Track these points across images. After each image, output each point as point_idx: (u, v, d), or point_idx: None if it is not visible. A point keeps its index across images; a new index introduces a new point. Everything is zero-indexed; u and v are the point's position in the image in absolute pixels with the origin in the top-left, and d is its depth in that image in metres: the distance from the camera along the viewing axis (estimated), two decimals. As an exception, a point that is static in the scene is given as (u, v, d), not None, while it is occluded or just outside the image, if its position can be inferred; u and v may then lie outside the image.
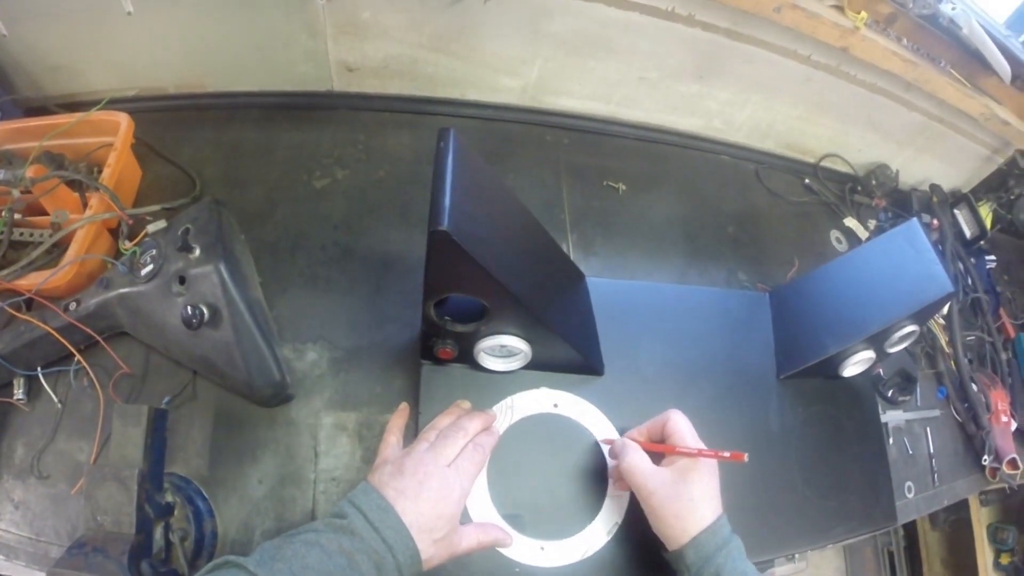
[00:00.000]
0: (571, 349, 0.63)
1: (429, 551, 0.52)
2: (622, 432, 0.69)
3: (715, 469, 0.60)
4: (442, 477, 0.54)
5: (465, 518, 0.63)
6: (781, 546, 0.76)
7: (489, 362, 0.65)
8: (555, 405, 0.69)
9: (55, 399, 0.67)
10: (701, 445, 0.61)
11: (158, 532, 0.59)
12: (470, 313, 0.59)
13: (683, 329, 0.79)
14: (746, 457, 0.56)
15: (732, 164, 1.08)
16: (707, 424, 0.74)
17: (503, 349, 0.63)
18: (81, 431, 0.66)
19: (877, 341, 0.79)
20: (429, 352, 0.64)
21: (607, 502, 0.67)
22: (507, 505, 0.65)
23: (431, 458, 0.55)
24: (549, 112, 0.99)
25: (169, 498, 0.61)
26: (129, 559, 0.53)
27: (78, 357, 0.65)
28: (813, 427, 0.81)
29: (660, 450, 0.62)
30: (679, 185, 1.00)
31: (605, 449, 0.68)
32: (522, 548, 0.63)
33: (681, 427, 0.61)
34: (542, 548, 0.64)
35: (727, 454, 0.58)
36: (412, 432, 0.66)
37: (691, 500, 0.57)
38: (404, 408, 0.64)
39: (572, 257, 0.85)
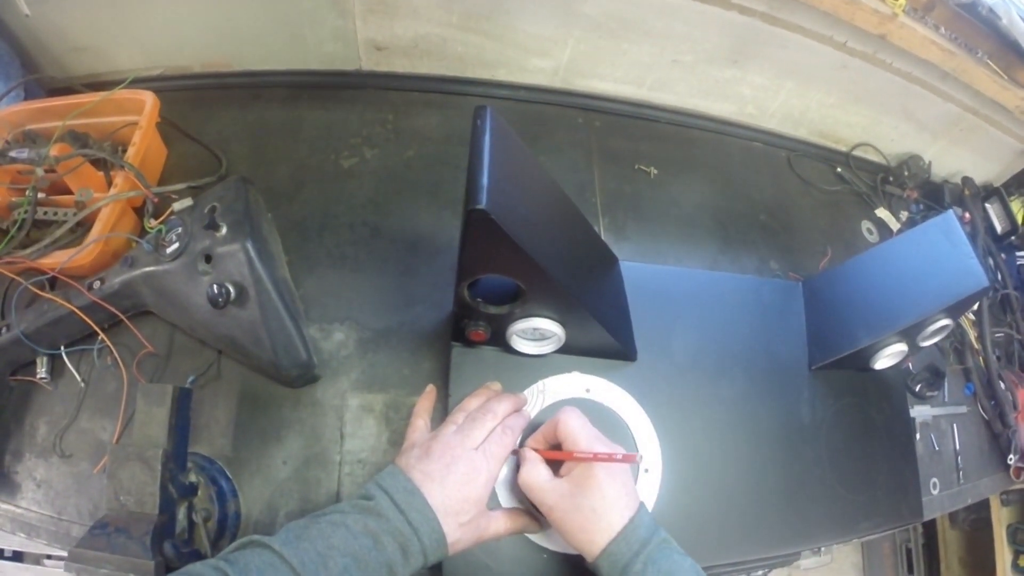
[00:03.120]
0: (605, 333, 0.62)
1: (455, 534, 0.52)
2: (662, 451, 0.67)
3: (619, 469, 0.57)
4: (469, 460, 0.54)
5: (494, 503, 0.62)
6: (809, 539, 0.75)
7: (522, 345, 0.64)
8: (587, 390, 0.68)
9: (78, 378, 0.67)
10: (596, 447, 0.57)
11: (181, 512, 0.59)
12: (504, 295, 0.58)
13: (716, 316, 0.77)
14: (638, 457, 0.55)
15: (764, 151, 1.06)
16: (739, 414, 0.75)
17: (536, 332, 0.62)
18: (104, 410, 0.67)
19: (910, 334, 0.77)
20: (460, 334, 0.63)
21: (638, 488, 0.66)
22: (537, 491, 0.64)
23: (459, 441, 0.55)
24: (581, 94, 0.97)
25: (192, 478, 0.62)
26: (152, 539, 0.54)
27: (102, 336, 0.65)
28: (843, 420, 0.80)
29: (557, 457, 0.59)
30: (711, 171, 0.99)
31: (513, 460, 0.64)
32: (550, 534, 0.63)
33: (573, 428, 0.57)
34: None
35: (619, 456, 0.55)
36: (440, 415, 0.66)
37: (592, 511, 0.53)
38: (432, 390, 0.63)
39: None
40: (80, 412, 0.67)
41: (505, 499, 0.63)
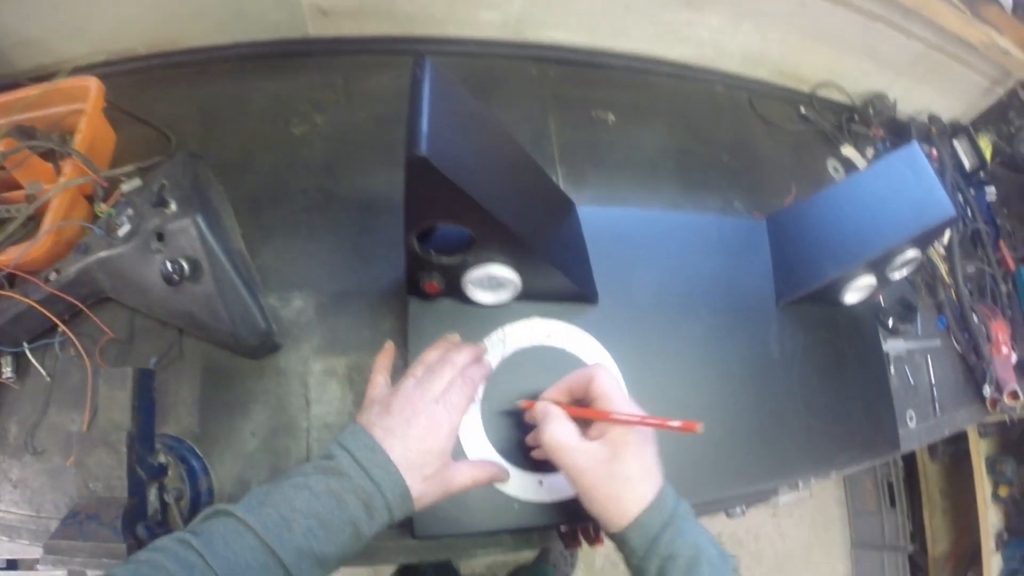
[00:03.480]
0: (562, 276, 0.61)
1: (419, 488, 0.51)
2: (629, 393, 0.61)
3: (652, 435, 0.53)
4: (430, 413, 0.53)
5: (460, 455, 0.62)
6: (785, 473, 0.75)
7: (478, 294, 0.63)
8: (548, 336, 0.67)
9: (43, 373, 0.66)
10: (636, 409, 0.53)
11: (152, 494, 0.59)
12: (456, 244, 0.57)
13: (678, 256, 0.76)
14: (700, 427, 0.48)
15: (725, 93, 1.05)
16: (706, 352, 0.74)
17: (492, 280, 0.61)
18: (72, 402, 0.66)
19: (878, 266, 0.77)
20: (415, 287, 0.62)
21: None
22: (503, 440, 0.63)
23: (418, 394, 0.54)
24: (533, 45, 0.95)
25: (161, 459, 0.61)
26: (123, 523, 0.53)
27: (62, 328, 0.65)
28: (815, 354, 0.79)
29: (590, 416, 0.54)
30: (670, 115, 0.97)
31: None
32: (520, 483, 0.62)
33: (611, 389, 0.54)
34: (540, 482, 0.63)
35: (677, 423, 0.50)
36: (401, 370, 0.64)
37: (628, 479, 0.50)
38: (390, 347, 0.62)
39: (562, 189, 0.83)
40: (48, 407, 0.66)
41: (472, 450, 0.62)
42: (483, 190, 0.50)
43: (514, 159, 0.62)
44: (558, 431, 0.54)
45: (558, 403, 0.56)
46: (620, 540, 0.51)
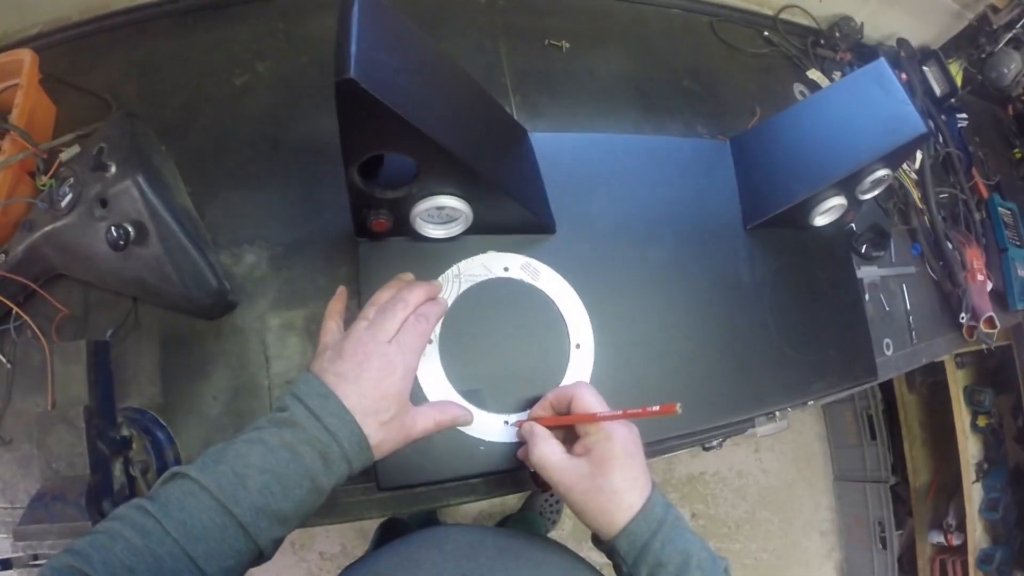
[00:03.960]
0: (515, 204, 0.59)
1: (378, 435, 0.49)
2: (592, 324, 0.64)
3: (636, 445, 0.54)
4: (383, 355, 0.50)
5: (421, 399, 0.60)
6: (760, 404, 0.74)
7: (428, 229, 0.60)
8: (505, 269, 0.65)
9: (3, 360, 0.65)
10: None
11: (117, 468, 0.58)
12: (401, 177, 0.54)
13: (639, 181, 0.74)
14: (679, 408, 0.49)
15: (684, 17, 1.01)
16: (672, 278, 0.72)
17: (441, 212, 0.58)
18: (34, 387, 0.64)
19: (848, 186, 0.75)
20: (363, 227, 0.59)
21: (570, 366, 0.64)
22: (464, 381, 0.61)
23: (370, 336, 0.51)
24: (479, -26, 0.91)
25: (125, 432, 0.60)
26: (87, 500, 0.52)
27: (16, 310, 0.63)
28: (785, 279, 0.78)
29: (574, 422, 0.55)
30: (627, 41, 0.94)
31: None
32: (485, 424, 0.61)
33: (591, 403, 0.55)
34: (506, 422, 0.61)
35: (656, 408, 0.50)
36: (355, 315, 0.62)
37: (614, 492, 0.51)
38: (342, 291, 0.60)
39: (517, 120, 0.80)
40: (12, 394, 0.64)
41: (432, 393, 0.60)
42: (423, 115, 0.47)
43: (458, 85, 0.58)
44: (545, 450, 0.54)
45: (543, 419, 0.58)
46: (610, 550, 0.52)
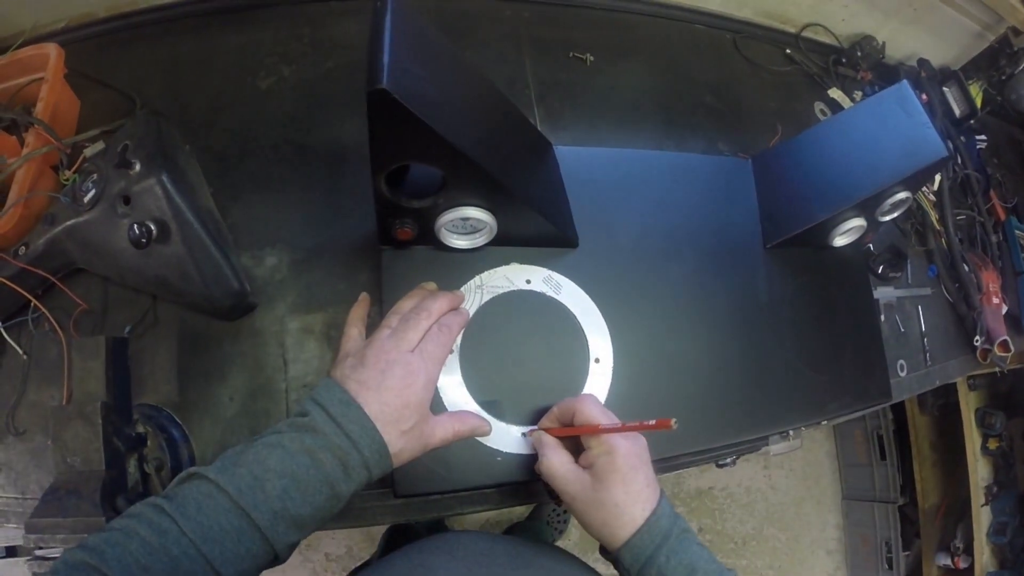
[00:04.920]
0: (539, 218, 0.59)
1: (398, 444, 0.49)
2: (612, 339, 0.65)
3: (640, 459, 0.54)
4: (406, 363, 0.51)
5: (440, 408, 0.60)
6: (774, 422, 0.74)
7: (452, 239, 0.60)
8: (528, 281, 0.65)
9: (20, 351, 0.65)
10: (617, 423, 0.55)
11: (132, 465, 0.58)
12: (427, 187, 0.54)
13: (661, 197, 0.74)
14: (674, 423, 0.49)
15: (707, 33, 1.01)
16: (692, 295, 0.72)
17: (466, 223, 0.58)
18: (50, 379, 0.64)
19: (868, 208, 0.75)
20: (387, 235, 0.59)
21: (589, 380, 0.64)
22: (484, 392, 0.62)
23: (393, 345, 0.52)
24: (506, -15, 0.91)
25: (140, 429, 0.60)
26: (102, 496, 0.53)
27: (35, 303, 0.63)
28: (804, 299, 0.78)
29: (578, 433, 0.56)
30: (651, 55, 0.94)
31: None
32: (502, 435, 0.61)
33: (594, 415, 0.55)
34: (523, 434, 0.62)
35: (652, 422, 0.51)
36: (376, 322, 0.62)
37: (615, 506, 0.52)
38: (365, 298, 0.60)
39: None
40: (27, 386, 0.64)
41: (451, 402, 0.60)
42: (451, 126, 0.48)
43: (485, 97, 0.59)
44: (553, 460, 0.55)
45: (550, 430, 0.59)
46: (614, 560, 0.53)
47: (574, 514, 0.54)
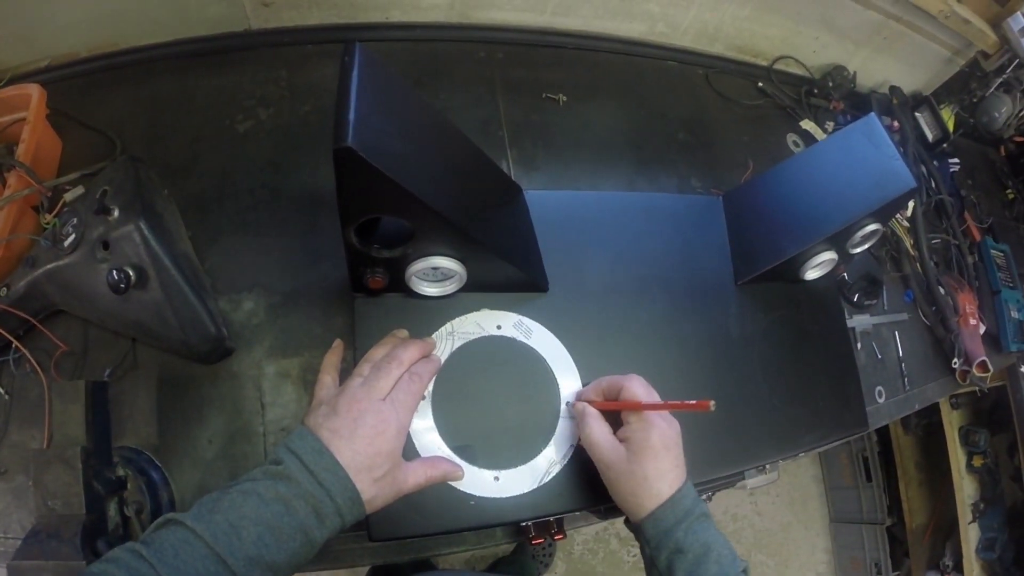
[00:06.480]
0: (508, 265, 0.60)
1: (371, 491, 0.50)
2: (583, 383, 0.67)
3: (673, 440, 0.58)
4: (377, 412, 0.51)
5: (413, 454, 0.60)
6: (750, 457, 0.74)
7: (423, 287, 0.61)
8: (498, 327, 0.66)
9: (1, 391, 0.65)
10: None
11: (112, 508, 0.58)
12: (397, 237, 0.55)
13: (631, 238, 0.75)
14: (712, 405, 0.53)
15: (679, 70, 1.03)
16: (663, 335, 0.73)
17: (436, 272, 0.59)
18: (31, 419, 0.64)
19: (838, 241, 0.76)
20: (359, 283, 0.60)
21: (560, 424, 0.65)
22: (456, 437, 0.62)
23: (364, 393, 0.52)
24: (480, 27, 0.92)
25: (120, 472, 0.60)
26: (82, 539, 0.53)
27: (16, 344, 0.63)
28: (776, 333, 0.79)
29: (622, 407, 0.60)
30: (623, 93, 0.96)
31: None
32: (475, 480, 0.61)
33: (640, 395, 0.59)
34: (496, 478, 0.62)
35: (693, 401, 0.55)
36: (350, 369, 0.63)
37: (645, 478, 0.56)
38: (338, 344, 0.61)
39: (513, 173, 0.81)
40: (8, 426, 0.64)
41: (424, 448, 0.61)
42: (419, 180, 0.48)
43: (454, 146, 0.60)
44: (595, 429, 0.60)
45: (594, 402, 0.62)
46: (636, 530, 0.57)
47: (604, 480, 0.58)
